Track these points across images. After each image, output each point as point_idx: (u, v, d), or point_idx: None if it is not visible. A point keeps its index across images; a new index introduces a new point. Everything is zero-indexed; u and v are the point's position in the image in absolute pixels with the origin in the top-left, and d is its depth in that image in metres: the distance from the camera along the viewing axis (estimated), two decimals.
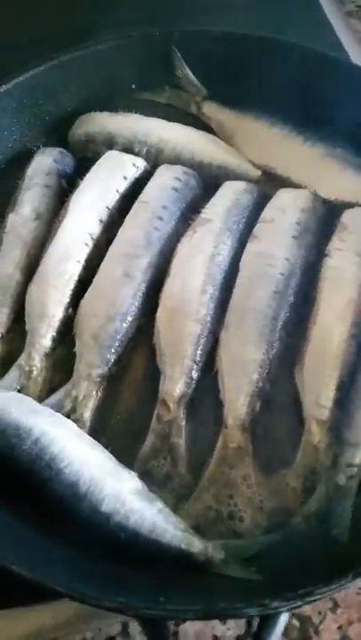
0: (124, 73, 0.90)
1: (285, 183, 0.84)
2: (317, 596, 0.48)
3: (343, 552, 0.58)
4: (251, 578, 0.55)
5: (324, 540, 0.60)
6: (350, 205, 0.81)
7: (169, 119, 0.90)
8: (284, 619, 0.49)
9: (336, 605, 0.63)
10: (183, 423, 0.68)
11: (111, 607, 0.49)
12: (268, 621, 0.49)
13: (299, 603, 0.47)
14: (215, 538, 0.61)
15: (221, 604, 0.48)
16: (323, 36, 1.04)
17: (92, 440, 0.64)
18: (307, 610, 0.63)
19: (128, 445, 0.67)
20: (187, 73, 0.90)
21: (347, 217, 0.79)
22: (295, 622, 0.63)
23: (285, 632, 0.62)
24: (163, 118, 0.90)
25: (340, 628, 0.64)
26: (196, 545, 0.59)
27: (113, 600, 0.48)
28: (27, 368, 0.71)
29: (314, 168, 0.83)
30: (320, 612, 0.63)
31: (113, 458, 0.63)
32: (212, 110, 0.91)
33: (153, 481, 0.65)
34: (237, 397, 0.68)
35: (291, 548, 0.60)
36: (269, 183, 0.85)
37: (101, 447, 0.64)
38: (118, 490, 0.60)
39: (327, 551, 0.59)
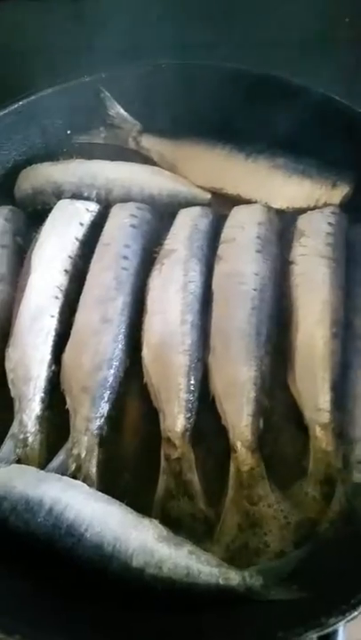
0: (58, 121, 0.90)
1: (236, 201, 0.86)
2: None
3: None
4: (295, 597, 0.55)
5: (355, 540, 0.60)
6: (303, 211, 0.83)
7: (110, 158, 0.91)
8: (342, 634, 0.49)
9: None
10: (192, 457, 0.67)
11: None
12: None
13: (355, 612, 0.48)
14: (248, 565, 0.61)
15: (280, 634, 0.48)
16: None
17: (106, 496, 0.63)
18: None
19: (141, 492, 0.66)
20: (119, 111, 0.91)
21: (302, 222, 0.81)
22: None
23: None
24: (103, 158, 0.91)
25: None
26: (233, 577, 0.58)
27: None
28: (21, 436, 0.69)
29: (261, 181, 0.85)
30: None
31: (130, 509, 0.62)
32: (150, 142, 0.93)
33: (174, 522, 0.64)
34: (240, 420, 0.68)
35: (325, 556, 0.60)
36: (221, 203, 0.87)
37: (117, 502, 0.62)
38: (144, 541, 0.59)
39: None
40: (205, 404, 0.71)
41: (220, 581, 0.58)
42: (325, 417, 0.68)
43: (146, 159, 0.92)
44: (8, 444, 0.69)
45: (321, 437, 0.68)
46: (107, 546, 0.58)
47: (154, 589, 0.57)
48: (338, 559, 0.60)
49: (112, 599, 0.57)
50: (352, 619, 0.48)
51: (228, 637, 0.50)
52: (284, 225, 0.82)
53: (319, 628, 0.47)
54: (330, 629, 0.47)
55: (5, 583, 0.56)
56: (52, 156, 0.90)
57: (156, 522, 0.61)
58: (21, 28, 1.12)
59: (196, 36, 1.04)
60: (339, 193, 0.83)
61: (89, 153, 0.91)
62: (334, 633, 0.48)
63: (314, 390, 0.69)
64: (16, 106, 0.84)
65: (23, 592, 0.55)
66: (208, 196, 0.87)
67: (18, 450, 0.68)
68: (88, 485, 0.64)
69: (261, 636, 0.49)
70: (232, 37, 1.08)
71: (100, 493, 0.63)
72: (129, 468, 0.69)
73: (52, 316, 0.74)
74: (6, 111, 0.84)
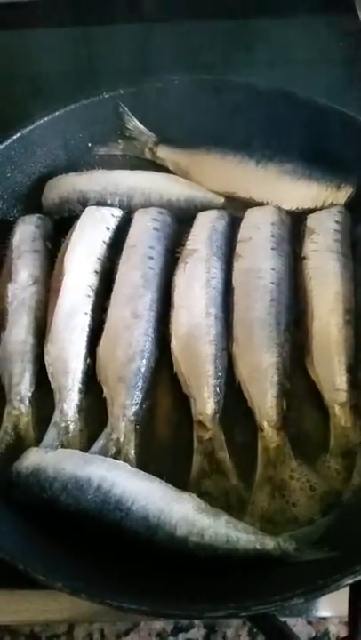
0: (79, 134, 0.96)
1: (249, 204, 0.92)
2: None
3: None
4: (329, 556, 0.60)
5: None
6: (311, 211, 0.90)
7: (128, 168, 0.97)
8: None
9: None
10: (223, 438, 0.73)
11: (227, 615, 0.52)
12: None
13: None
14: (280, 533, 0.66)
15: (320, 582, 0.53)
16: None
17: (147, 474, 0.68)
18: None
19: (177, 472, 0.71)
20: (136, 124, 0.98)
21: (311, 221, 0.88)
22: None
23: None
24: (122, 168, 0.97)
25: None
26: (268, 543, 0.64)
27: (226, 607, 0.52)
28: (63, 424, 0.74)
29: (271, 185, 0.92)
30: None
31: (170, 485, 0.67)
32: (165, 153, 0.99)
33: (210, 498, 0.69)
34: (265, 401, 0.74)
35: (350, 522, 0.66)
36: (234, 206, 0.93)
37: (157, 479, 0.68)
38: (185, 512, 0.64)
39: None
40: (232, 390, 0.76)
41: (257, 546, 0.63)
42: (343, 396, 0.74)
43: (161, 168, 0.99)
44: (52, 431, 0.74)
45: (340, 415, 0.74)
46: (152, 517, 0.63)
47: (197, 555, 0.62)
48: None
49: (162, 569, 0.62)
50: None
51: (269, 592, 0.55)
52: (294, 224, 0.89)
53: (353, 575, 0.53)
54: None
55: (64, 555, 0.60)
56: (74, 167, 0.96)
57: (194, 495, 0.66)
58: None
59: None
60: (344, 194, 0.90)
61: (108, 164, 0.98)
62: None
63: (331, 373, 0.75)
64: (42, 121, 0.90)
65: (80, 563, 0.60)
66: (222, 200, 0.94)
67: (60, 437, 0.74)
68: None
69: (302, 585, 0.54)
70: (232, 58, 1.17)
71: (141, 472, 0.68)
72: (164, 450, 0.74)
73: (86, 314, 0.80)
74: (33, 126, 0.90)
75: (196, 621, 0.68)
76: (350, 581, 0.53)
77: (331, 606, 0.70)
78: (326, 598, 0.67)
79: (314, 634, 0.71)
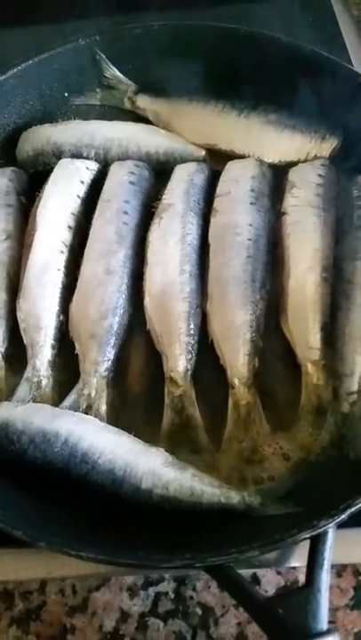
0: (55, 84, 0.92)
1: (231, 156, 0.89)
2: (356, 507, 0.54)
3: None
4: (292, 511, 0.61)
5: (343, 463, 0.66)
6: (294, 164, 0.87)
7: (107, 118, 0.94)
8: (331, 536, 0.55)
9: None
10: (193, 395, 0.73)
11: (183, 565, 0.53)
12: (318, 544, 0.55)
13: (343, 516, 0.54)
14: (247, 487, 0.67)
15: (277, 535, 0.54)
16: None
17: (116, 429, 0.68)
18: (210, 601, 0.68)
19: (147, 427, 0.72)
20: (115, 72, 0.94)
21: (293, 175, 0.85)
22: (198, 610, 0.67)
23: (186, 617, 0.67)
24: (100, 119, 0.94)
25: (239, 624, 0.67)
26: (233, 496, 0.64)
27: (182, 558, 0.53)
28: (35, 379, 0.74)
29: (254, 137, 0.89)
30: (224, 606, 0.67)
31: (139, 440, 0.68)
32: (145, 102, 0.96)
33: (179, 453, 0.69)
34: (237, 359, 0.73)
35: (317, 479, 0.66)
36: (215, 159, 0.90)
37: (126, 433, 0.68)
38: (152, 466, 0.65)
39: (350, 472, 0.65)
40: (205, 350, 0.76)
41: (222, 499, 0.64)
42: (316, 354, 0.73)
43: (141, 119, 0.96)
44: (23, 386, 0.74)
45: (312, 373, 0.73)
46: (118, 471, 0.64)
47: (162, 508, 0.63)
48: (329, 481, 0.66)
49: (126, 519, 0.63)
50: (340, 522, 0.54)
51: (229, 544, 0.56)
52: (276, 178, 0.86)
53: (311, 529, 0.53)
54: (320, 530, 0.53)
55: (28, 506, 0.62)
56: (50, 118, 0.93)
57: (162, 450, 0.67)
58: None
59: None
60: (328, 146, 0.87)
61: (86, 114, 0.95)
62: (325, 534, 0.54)
63: (305, 330, 0.74)
64: (15, 70, 0.87)
65: (44, 514, 0.61)
66: (203, 152, 0.91)
67: (32, 392, 0.74)
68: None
69: (260, 539, 0.55)
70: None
71: (110, 426, 0.68)
72: (135, 406, 0.74)
73: (59, 270, 0.79)
74: (6, 75, 0.86)
75: (166, 575, 0.70)
76: (307, 536, 0.54)
77: (301, 557, 0.72)
78: (296, 548, 0.69)
79: (283, 583, 0.73)
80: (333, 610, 0.66)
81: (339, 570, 0.68)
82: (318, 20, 1.08)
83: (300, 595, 0.52)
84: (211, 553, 0.54)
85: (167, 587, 0.69)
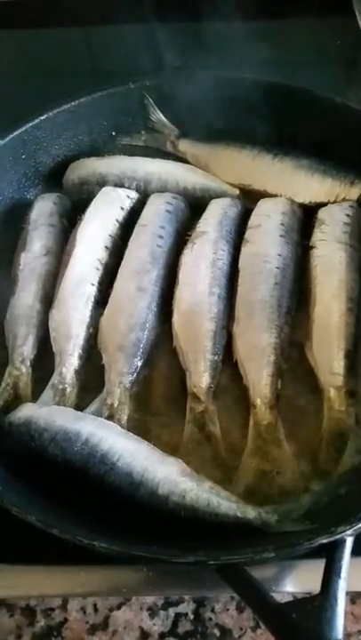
0: (104, 122, 1.01)
1: (263, 196, 0.94)
2: None
3: None
4: (308, 529, 0.59)
5: None
6: (323, 205, 0.91)
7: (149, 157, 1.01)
8: (349, 546, 0.54)
9: (257, 626, 0.66)
10: (215, 411, 0.73)
11: (196, 561, 0.52)
12: (335, 552, 0.53)
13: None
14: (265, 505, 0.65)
15: (293, 539, 0.52)
16: None
17: (136, 436, 0.69)
18: (229, 622, 0.67)
19: (166, 440, 0.72)
20: (160, 117, 1.02)
21: (322, 214, 0.89)
22: (216, 631, 0.66)
23: (205, 638, 0.66)
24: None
25: None
26: (250, 512, 0.63)
27: (195, 554, 0.52)
28: (60, 387, 0.76)
29: (286, 179, 0.94)
30: (241, 628, 0.66)
31: (158, 449, 0.68)
32: (186, 146, 1.03)
33: (197, 467, 0.69)
34: (260, 379, 0.74)
35: (336, 502, 0.65)
36: (248, 198, 0.95)
37: (146, 442, 0.68)
38: (169, 474, 0.64)
39: None
40: (229, 371, 0.77)
41: (238, 513, 0.62)
42: (339, 380, 0.74)
43: (181, 160, 1.02)
44: (48, 392, 0.75)
45: (334, 399, 0.73)
46: (136, 474, 0.64)
47: (178, 516, 0.62)
48: (348, 504, 0.64)
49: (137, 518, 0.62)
50: (359, 530, 0.53)
51: (243, 545, 0.55)
52: (305, 216, 0.90)
53: (329, 534, 0.52)
54: (338, 537, 0.52)
55: (43, 500, 0.61)
56: (97, 153, 1.00)
57: (180, 460, 0.67)
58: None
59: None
60: (357, 190, 0.91)
61: (130, 153, 1.02)
62: (342, 542, 0.52)
63: (329, 357, 0.75)
64: (69, 105, 0.95)
65: (58, 507, 0.61)
66: (237, 191, 0.96)
67: (56, 398, 0.75)
68: None
69: (281, 541, 0.53)
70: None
71: (131, 434, 0.69)
72: (156, 420, 0.75)
73: (93, 285, 0.82)
74: (61, 109, 0.94)
75: (186, 596, 0.68)
76: (325, 541, 0.52)
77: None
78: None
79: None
80: (347, 636, 0.63)
81: (353, 597, 0.65)
82: None
83: (315, 601, 0.49)
84: (225, 552, 0.52)
85: (187, 607, 0.68)
